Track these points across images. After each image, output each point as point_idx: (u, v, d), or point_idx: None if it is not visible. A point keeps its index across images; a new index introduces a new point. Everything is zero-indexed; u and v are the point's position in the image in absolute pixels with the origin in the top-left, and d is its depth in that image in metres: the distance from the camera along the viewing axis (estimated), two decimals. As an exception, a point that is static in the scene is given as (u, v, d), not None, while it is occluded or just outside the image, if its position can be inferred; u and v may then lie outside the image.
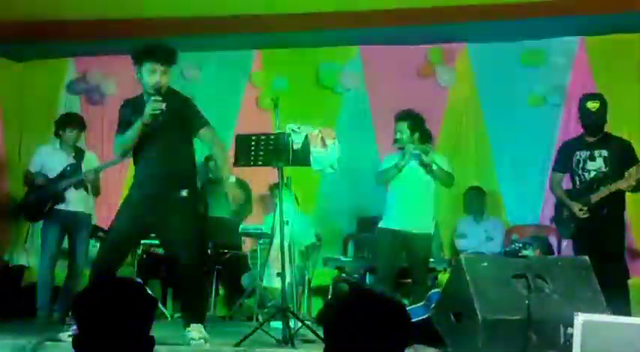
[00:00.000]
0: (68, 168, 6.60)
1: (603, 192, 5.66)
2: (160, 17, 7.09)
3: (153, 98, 4.85)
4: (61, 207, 6.53)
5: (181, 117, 5.00)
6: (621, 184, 5.59)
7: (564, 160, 5.99)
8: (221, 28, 7.45)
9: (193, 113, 5.09)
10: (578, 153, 5.86)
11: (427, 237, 6.08)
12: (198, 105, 8.11)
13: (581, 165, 5.83)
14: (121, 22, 7.17)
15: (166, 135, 4.94)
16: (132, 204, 5.01)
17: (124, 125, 5.03)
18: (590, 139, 5.84)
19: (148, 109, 4.85)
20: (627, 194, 5.79)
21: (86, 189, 6.63)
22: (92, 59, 8.36)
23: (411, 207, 6.00)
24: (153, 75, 4.89)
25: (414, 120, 6.09)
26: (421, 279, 6.06)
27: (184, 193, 4.96)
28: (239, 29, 7.47)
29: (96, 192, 6.74)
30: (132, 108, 5.05)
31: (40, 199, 6.56)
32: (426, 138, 6.22)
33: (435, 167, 5.96)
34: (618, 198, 5.71)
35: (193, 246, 5.07)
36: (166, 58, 4.95)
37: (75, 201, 6.58)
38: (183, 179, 4.99)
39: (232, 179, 5.01)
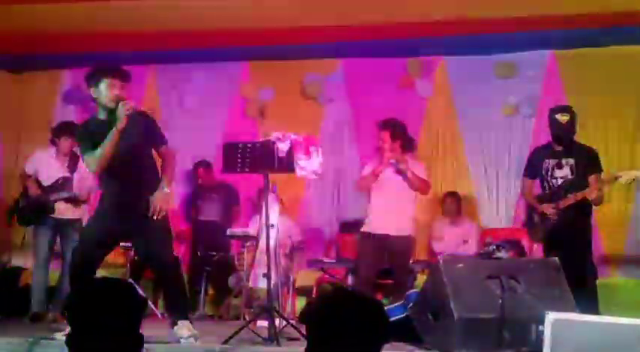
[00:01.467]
0: (60, 181, 6.60)
1: (569, 199, 5.69)
2: (151, 30, 7.06)
3: (121, 103, 4.81)
4: (52, 214, 6.53)
5: (145, 133, 4.98)
6: (586, 193, 5.62)
7: (534, 167, 6.02)
8: (210, 41, 7.42)
9: (156, 130, 5.08)
10: (547, 160, 5.88)
11: (407, 239, 6.08)
12: (189, 114, 8.20)
13: (549, 172, 5.85)
14: (113, 34, 7.13)
15: (132, 148, 4.91)
16: (105, 214, 4.98)
17: (90, 144, 4.92)
18: (559, 148, 5.86)
19: (121, 113, 4.79)
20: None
21: (76, 202, 6.62)
22: (86, 70, 8.30)
23: (391, 212, 6.01)
24: (112, 88, 4.88)
25: (395, 128, 6.09)
26: (402, 280, 6.05)
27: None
28: (228, 42, 7.45)
29: (85, 201, 6.71)
30: (91, 128, 4.99)
31: (32, 208, 6.57)
32: (408, 145, 6.21)
33: (410, 175, 5.96)
34: (585, 203, 5.74)
35: (169, 245, 5.10)
36: (122, 75, 4.97)
37: (64, 209, 6.59)
38: (150, 185, 4.96)
39: (166, 190, 4.94)
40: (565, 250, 5.49)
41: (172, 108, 8.34)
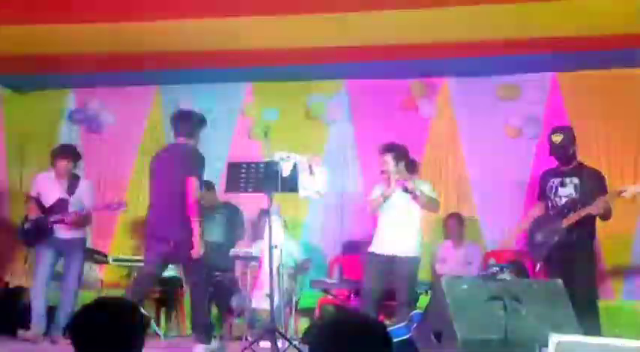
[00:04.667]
0: (57, 203, 6.62)
1: (573, 217, 5.67)
2: (156, 51, 7.09)
3: None
4: (55, 235, 6.55)
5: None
6: (590, 209, 5.60)
7: (540, 189, 6.01)
8: (215, 62, 7.46)
9: None
10: (551, 180, 5.90)
11: (412, 261, 6.06)
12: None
13: (553, 191, 5.86)
14: (118, 56, 7.16)
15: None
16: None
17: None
18: (564, 168, 5.87)
19: None
20: (598, 220, 5.80)
21: (75, 224, 6.64)
22: (92, 90, 8.36)
23: (397, 233, 6.02)
24: None
25: (397, 151, 6.12)
26: (406, 301, 6.01)
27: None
28: (232, 63, 7.49)
29: (83, 225, 6.73)
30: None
31: (35, 230, 6.61)
32: (411, 167, 6.25)
33: (418, 193, 5.98)
34: (589, 223, 5.72)
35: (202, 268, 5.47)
36: None
37: (66, 230, 6.59)
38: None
39: None
40: (568, 271, 5.47)
41: (176, 128, 8.35)
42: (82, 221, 6.68)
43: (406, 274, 6.01)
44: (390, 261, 5.98)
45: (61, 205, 6.64)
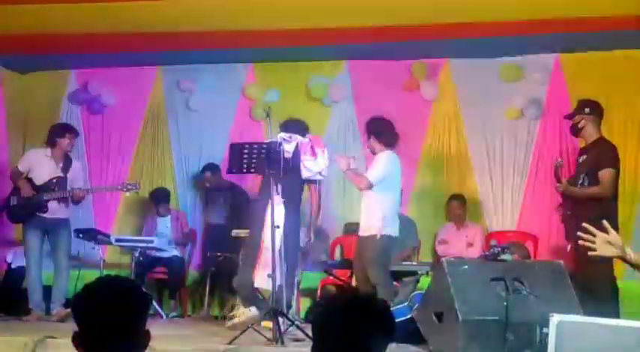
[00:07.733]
0: (54, 181, 6.63)
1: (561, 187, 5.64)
2: (157, 32, 7.06)
3: None
4: (43, 214, 6.58)
5: None
6: (589, 190, 5.55)
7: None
8: (216, 43, 7.43)
9: None
10: (578, 158, 5.90)
11: (372, 238, 5.92)
12: (195, 115, 8.19)
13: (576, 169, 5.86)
14: (120, 35, 7.14)
15: None
16: None
17: None
18: (583, 146, 5.85)
19: None
20: (620, 199, 5.71)
21: (70, 200, 6.68)
22: (93, 71, 8.35)
23: (363, 213, 6.05)
24: None
25: (368, 126, 6.19)
26: (374, 278, 5.86)
27: None
28: (234, 44, 7.46)
29: (77, 202, 6.78)
30: None
31: (26, 208, 6.62)
32: (387, 140, 6.13)
33: (345, 171, 5.98)
34: (603, 204, 5.55)
35: None
36: None
37: (55, 209, 6.63)
38: None
39: None
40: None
41: (178, 109, 8.35)
42: (81, 198, 6.72)
43: (371, 254, 5.90)
44: (360, 242, 6.01)
45: (58, 183, 6.65)
